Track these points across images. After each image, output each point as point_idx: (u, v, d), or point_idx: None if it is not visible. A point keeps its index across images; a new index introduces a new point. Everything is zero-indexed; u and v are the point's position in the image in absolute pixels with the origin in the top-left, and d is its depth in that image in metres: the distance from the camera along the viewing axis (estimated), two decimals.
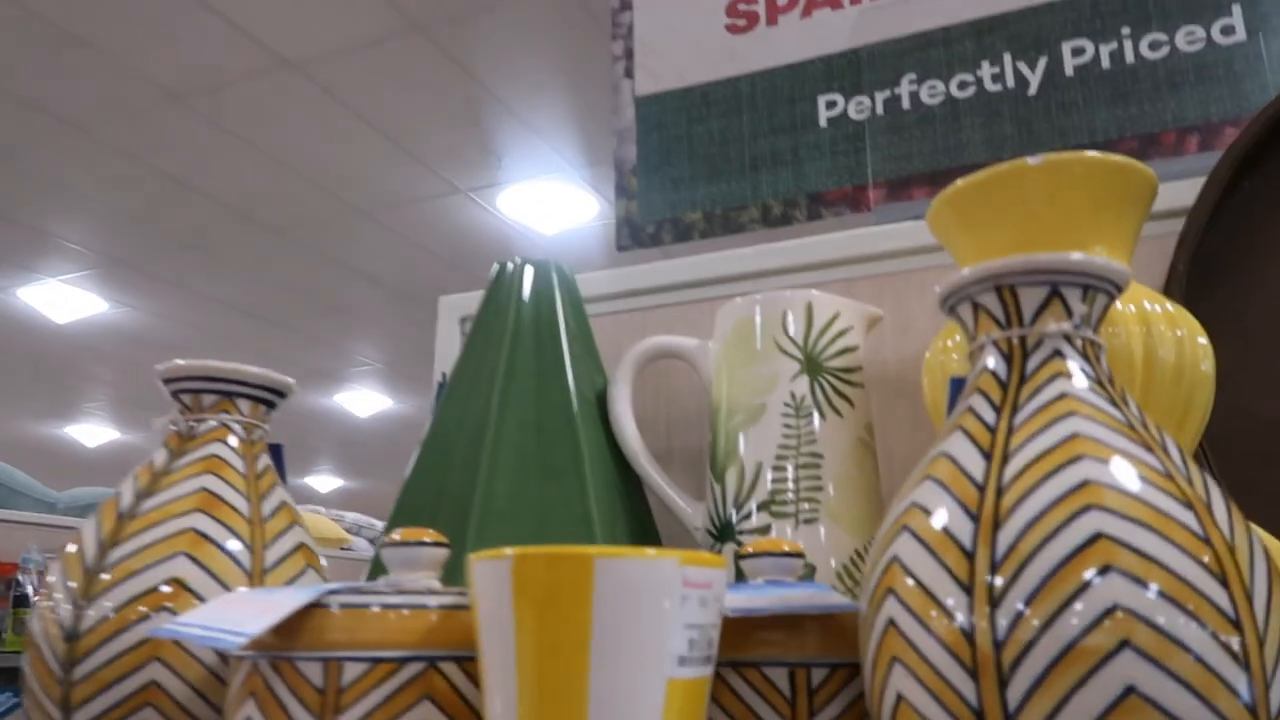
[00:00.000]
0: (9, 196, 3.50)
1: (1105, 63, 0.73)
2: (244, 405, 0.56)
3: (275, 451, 0.59)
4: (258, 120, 3.11)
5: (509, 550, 0.33)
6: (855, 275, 0.77)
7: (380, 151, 3.34)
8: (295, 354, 4.98)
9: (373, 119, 3.13)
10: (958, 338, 0.58)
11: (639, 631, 0.32)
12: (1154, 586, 0.30)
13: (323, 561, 0.57)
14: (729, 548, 0.62)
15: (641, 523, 0.69)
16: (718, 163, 0.84)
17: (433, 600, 0.43)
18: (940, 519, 0.35)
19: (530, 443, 0.65)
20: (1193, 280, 0.64)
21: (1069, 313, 0.38)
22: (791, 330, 0.64)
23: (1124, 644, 0.30)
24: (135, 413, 5.89)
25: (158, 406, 5.50)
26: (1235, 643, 0.30)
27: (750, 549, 0.50)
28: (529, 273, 0.72)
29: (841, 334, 0.65)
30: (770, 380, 0.64)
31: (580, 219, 3.75)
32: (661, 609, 0.32)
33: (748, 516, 0.62)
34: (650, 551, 0.32)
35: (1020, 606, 0.31)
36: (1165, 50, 0.72)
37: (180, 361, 0.55)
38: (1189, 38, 0.71)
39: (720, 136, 0.84)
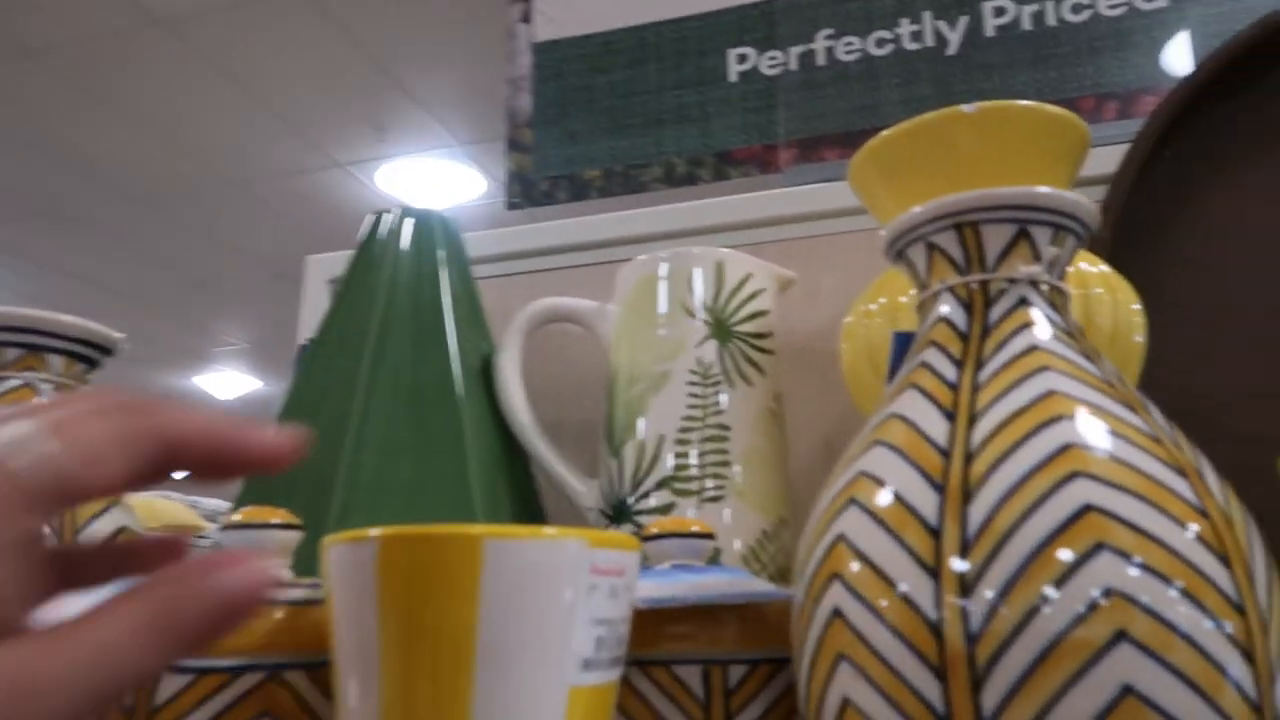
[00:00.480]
0: None
1: (1026, 24, 0.70)
2: (56, 362, 0.47)
3: None
4: (121, 80, 2.87)
5: (373, 531, 0.26)
6: (763, 239, 0.72)
7: (253, 119, 3.14)
8: (156, 332, 4.68)
9: (247, 84, 2.94)
10: (882, 300, 0.53)
11: (536, 629, 0.25)
12: (1152, 567, 0.26)
13: None
14: (625, 530, 0.56)
15: (528, 503, 0.62)
16: (620, 116, 0.77)
17: (276, 594, 0.35)
18: (897, 490, 0.29)
19: (404, 412, 0.57)
20: (1117, 249, 0.61)
21: (1037, 255, 0.33)
22: (700, 291, 0.59)
23: (1120, 636, 0.25)
24: None
25: None
26: (1240, 629, 0.26)
27: (655, 529, 0.44)
28: (409, 225, 0.64)
29: (753, 296, 0.59)
30: (675, 345, 0.58)
31: (465, 197, 3.63)
32: (563, 601, 0.25)
33: (646, 495, 0.56)
34: (551, 531, 0.26)
35: (997, 593, 0.26)
36: (1087, 14, 0.69)
37: None
38: (1111, 2, 0.69)
39: (623, 89, 0.78)
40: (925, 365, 0.32)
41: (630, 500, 0.56)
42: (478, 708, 0.24)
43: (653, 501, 0.55)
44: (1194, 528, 0.27)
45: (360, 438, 0.55)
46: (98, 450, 0.19)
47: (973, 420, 0.29)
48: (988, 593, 0.26)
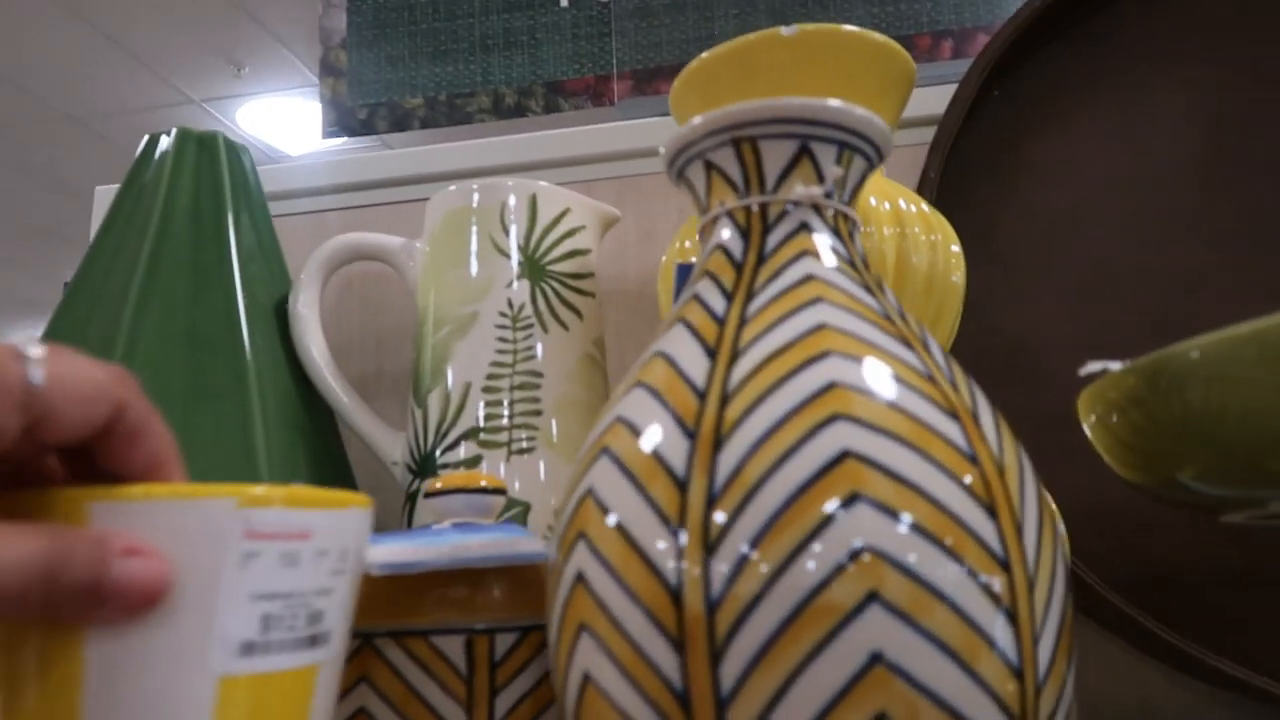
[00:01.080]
0: None
1: None
2: None
3: None
4: None
5: None
6: (595, 176, 0.68)
7: (98, 51, 2.91)
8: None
9: (90, 13, 2.71)
10: (695, 238, 0.50)
11: (162, 608, 0.21)
12: (909, 519, 0.23)
13: None
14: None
15: (331, 457, 0.57)
16: (443, 40, 0.71)
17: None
18: (650, 438, 0.26)
19: (177, 358, 0.51)
20: (944, 190, 0.59)
21: (820, 176, 0.29)
22: (511, 226, 0.54)
23: (871, 597, 0.22)
24: None
25: None
26: (1003, 587, 0.23)
27: (438, 485, 0.40)
28: (189, 148, 0.57)
29: (571, 234, 0.55)
30: (484, 285, 0.53)
31: (331, 140, 3.46)
32: (199, 573, 0.21)
33: (453, 447, 0.52)
34: (185, 489, 0.21)
35: (744, 551, 0.23)
36: None
37: None
38: None
39: (446, 10, 0.71)
40: (696, 298, 0.29)
41: (435, 453, 0.52)
42: (88, 704, 0.20)
43: (460, 454, 0.51)
44: (961, 477, 0.24)
45: None
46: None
47: (734, 358, 0.26)
48: (731, 553, 0.23)
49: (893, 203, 0.47)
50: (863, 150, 0.30)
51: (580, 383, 0.53)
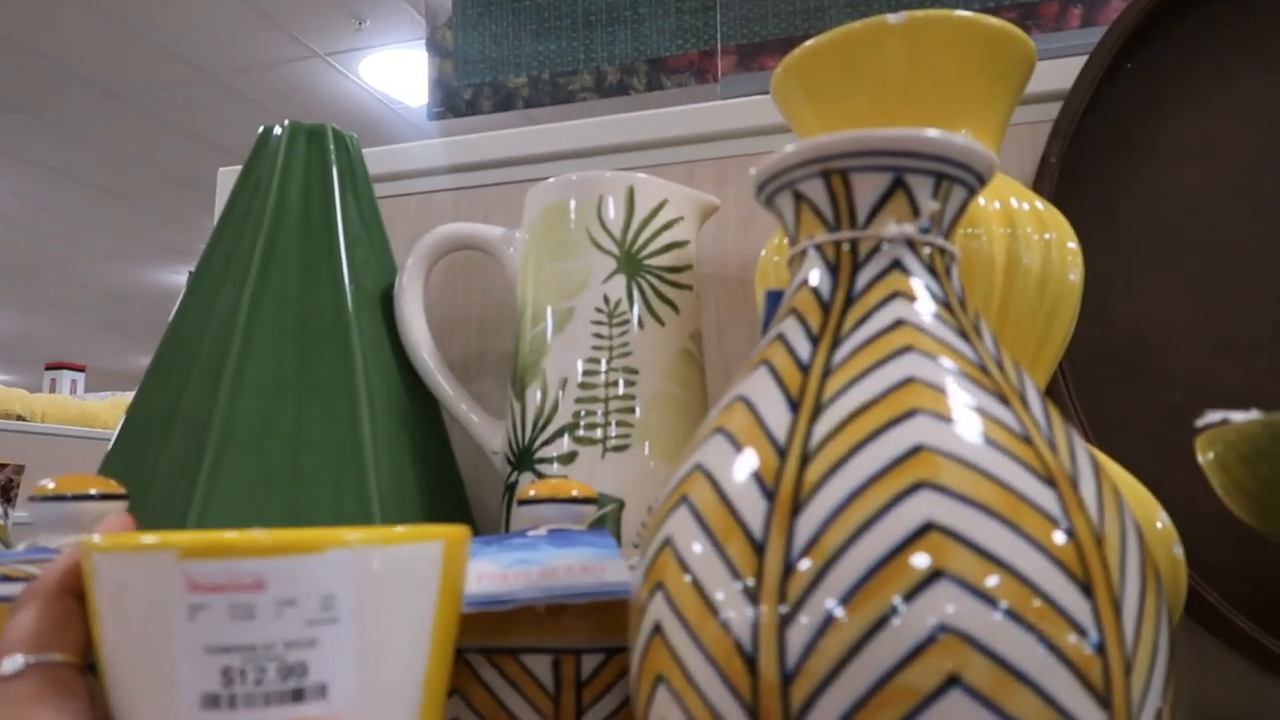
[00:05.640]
0: None
1: None
2: None
3: None
4: None
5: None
6: (697, 157, 0.67)
7: (229, 9, 3.01)
8: (147, 231, 4.60)
9: None
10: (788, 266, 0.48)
11: (143, 656, 0.23)
12: (995, 598, 0.22)
13: None
14: (526, 477, 0.53)
15: (437, 447, 0.59)
16: (546, 17, 0.71)
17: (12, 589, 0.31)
18: (728, 493, 0.25)
19: (289, 351, 0.53)
20: (1065, 175, 0.56)
21: (915, 210, 0.28)
22: (609, 220, 0.54)
23: (952, 681, 0.21)
24: None
25: None
26: (1097, 672, 0.22)
27: (531, 493, 0.41)
28: (300, 141, 0.58)
29: (668, 226, 0.55)
30: (581, 279, 0.53)
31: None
32: (155, 625, 0.22)
33: (549, 442, 0.52)
34: (145, 540, 0.23)
35: (821, 623, 0.22)
36: None
37: None
38: None
39: None
40: (781, 339, 0.28)
41: (534, 446, 0.53)
42: None
43: (555, 450, 0.52)
44: (1052, 550, 0.23)
45: (238, 381, 0.51)
46: None
47: (816, 412, 0.25)
48: (808, 624, 0.22)
49: (1003, 201, 0.44)
50: (962, 180, 0.29)
51: (676, 380, 0.53)
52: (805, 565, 0.23)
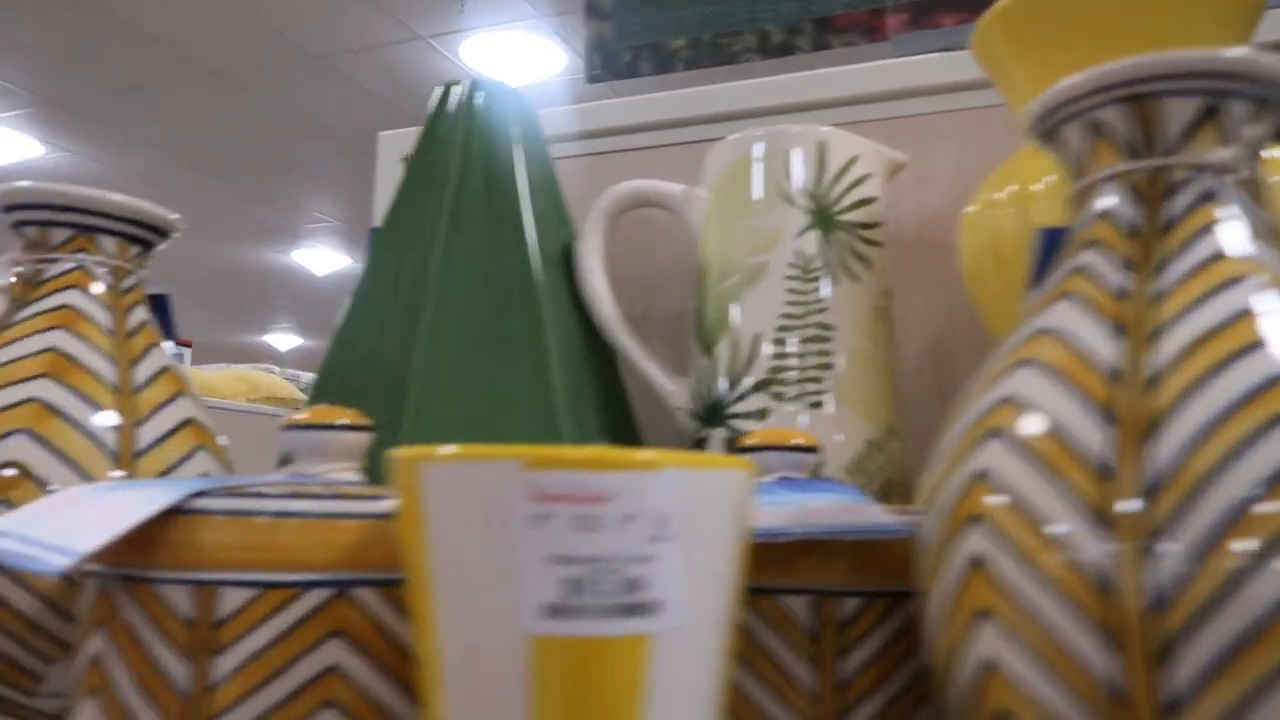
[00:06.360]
0: None
1: None
2: (108, 244, 0.44)
3: (159, 304, 0.47)
4: None
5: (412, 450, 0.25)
6: (867, 117, 0.66)
7: None
8: (247, 209, 4.74)
9: None
10: (1012, 188, 0.47)
11: (479, 566, 0.22)
12: None
13: (222, 441, 0.47)
14: (718, 433, 0.52)
15: (617, 401, 0.59)
16: None
17: (346, 506, 0.32)
18: (1053, 420, 0.24)
19: (480, 305, 0.54)
20: None
21: (1227, 137, 0.27)
22: (799, 175, 0.53)
23: None
24: None
25: None
26: None
27: (755, 439, 0.40)
28: (480, 99, 0.59)
29: (859, 181, 0.54)
30: (772, 235, 0.53)
31: (547, 73, 3.52)
32: (494, 534, 0.22)
33: (742, 397, 0.52)
34: (481, 450, 0.22)
35: (1192, 553, 0.21)
36: None
37: (22, 184, 0.42)
38: None
39: None
40: (1083, 270, 0.27)
41: (725, 402, 0.53)
42: (447, 649, 0.23)
43: (748, 405, 0.52)
44: None
45: (435, 333, 0.52)
46: None
47: (1152, 337, 0.24)
48: (1177, 554, 0.21)
49: None
50: (1277, 104, 0.27)
51: (870, 336, 0.52)
52: (1168, 493, 0.22)
